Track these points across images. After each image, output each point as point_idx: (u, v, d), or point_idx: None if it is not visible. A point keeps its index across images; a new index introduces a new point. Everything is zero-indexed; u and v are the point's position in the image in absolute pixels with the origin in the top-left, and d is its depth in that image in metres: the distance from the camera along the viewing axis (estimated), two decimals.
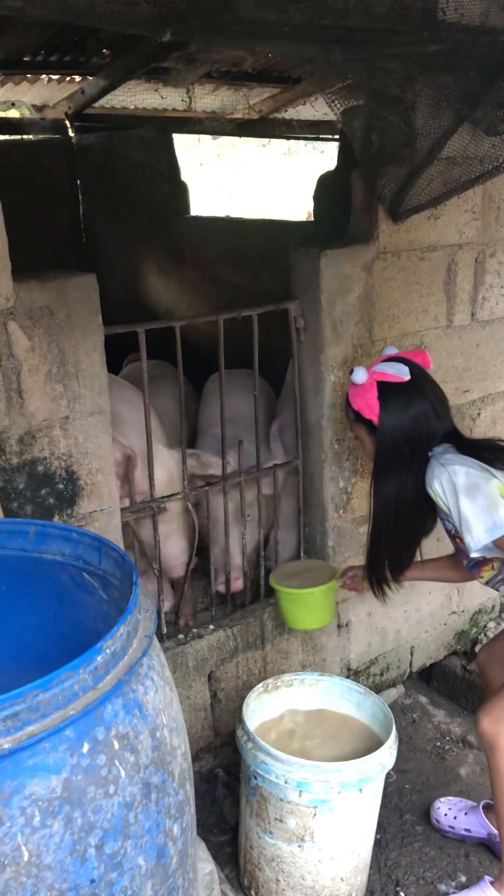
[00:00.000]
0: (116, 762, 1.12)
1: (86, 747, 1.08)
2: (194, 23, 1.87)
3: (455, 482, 1.82)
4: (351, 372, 1.99)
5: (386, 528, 2.03)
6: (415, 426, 1.93)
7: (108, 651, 1.12)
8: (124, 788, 1.13)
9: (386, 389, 1.94)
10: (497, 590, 2.10)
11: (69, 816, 1.06)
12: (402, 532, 2.04)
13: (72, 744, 1.07)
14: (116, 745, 1.12)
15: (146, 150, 4.36)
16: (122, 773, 1.13)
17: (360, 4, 2.08)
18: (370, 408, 1.95)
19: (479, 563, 2.03)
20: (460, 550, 2.02)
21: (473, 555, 1.87)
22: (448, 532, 2.01)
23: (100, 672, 1.11)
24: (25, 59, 3.53)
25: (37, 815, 1.03)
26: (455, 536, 1.96)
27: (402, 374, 1.94)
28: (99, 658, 1.10)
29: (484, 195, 2.59)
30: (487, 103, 2.31)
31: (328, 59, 2.11)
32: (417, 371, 1.97)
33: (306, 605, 2.30)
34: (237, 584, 2.48)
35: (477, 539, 1.81)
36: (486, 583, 2.09)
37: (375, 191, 2.33)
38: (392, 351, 2.07)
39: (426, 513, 1.99)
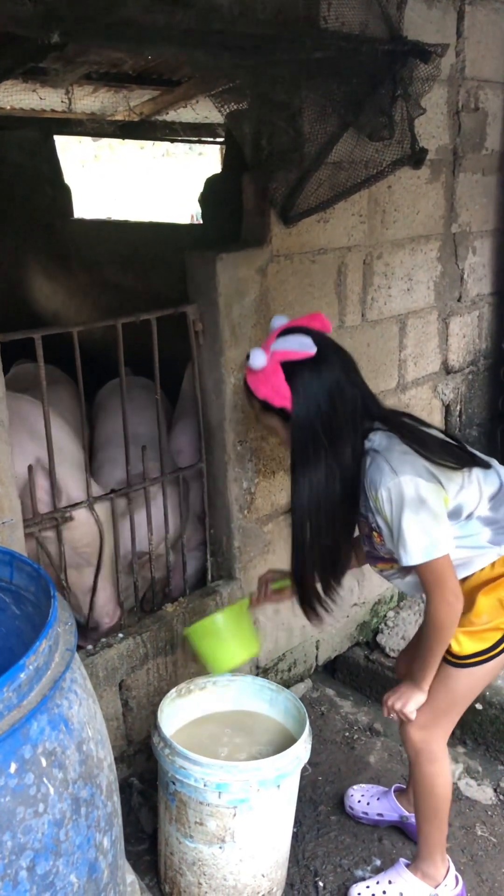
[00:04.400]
0: (45, 779, 1.10)
1: (13, 767, 1.05)
2: (82, 24, 1.85)
3: (404, 494, 1.69)
4: (247, 357, 1.75)
5: (309, 531, 1.82)
6: (331, 405, 1.73)
7: (31, 667, 1.10)
8: (54, 806, 1.11)
9: (293, 369, 1.72)
10: (389, 580, 2.03)
11: None
12: (329, 532, 1.83)
13: None
14: (44, 763, 1.10)
15: (27, 151, 4.26)
16: (51, 790, 1.10)
17: (246, 11, 2.11)
18: (279, 394, 1.73)
19: (380, 558, 1.96)
20: (369, 539, 1.92)
21: (403, 564, 1.76)
22: (368, 525, 1.87)
23: (24, 689, 1.08)
24: None
25: None
26: (374, 531, 1.85)
27: (306, 347, 1.72)
28: (22, 675, 1.08)
29: (370, 199, 2.68)
30: (370, 110, 2.38)
31: (217, 64, 2.13)
32: (319, 339, 1.76)
33: (219, 636, 2.17)
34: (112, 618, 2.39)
35: (411, 557, 1.72)
36: (380, 572, 2.02)
37: (266, 195, 2.37)
38: (282, 320, 1.83)
39: (356, 505, 1.82)
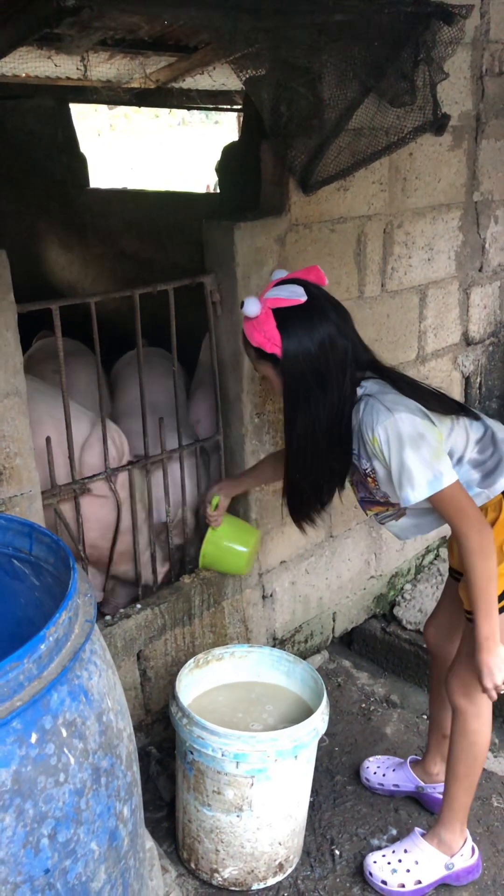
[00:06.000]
0: (65, 749, 1.10)
1: (34, 737, 1.06)
2: None
3: (401, 431, 1.72)
4: (241, 304, 1.79)
5: (298, 468, 1.90)
6: (320, 352, 1.76)
7: (51, 638, 1.10)
8: (74, 775, 1.11)
9: (283, 316, 1.75)
10: (382, 523, 2.06)
11: (21, 809, 1.04)
12: (316, 471, 1.90)
13: (20, 735, 1.04)
14: (64, 733, 1.10)
15: (42, 120, 4.22)
16: (72, 760, 1.11)
17: None
18: (271, 340, 1.76)
19: (375, 502, 1.98)
20: (363, 484, 1.95)
21: (404, 504, 1.79)
22: (361, 471, 1.90)
23: (44, 660, 1.09)
24: None
25: None
26: (368, 476, 1.88)
27: (297, 295, 1.75)
28: (42, 646, 1.08)
29: (390, 166, 2.63)
30: (392, 74, 2.33)
31: (235, 27, 2.08)
32: (313, 290, 1.80)
33: (225, 543, 2.35)
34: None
35: (418, 493, 1.74)
36: (375, 516, 2.05)
37: (285, 162, 2.33)
38: (281, 274, 1.88)
39: (348, 453, 1.88)
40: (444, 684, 2.06)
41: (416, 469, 1.73)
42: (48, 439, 2.10)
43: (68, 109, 4.28)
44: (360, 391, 1.82)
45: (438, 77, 2.38)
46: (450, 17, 2.26)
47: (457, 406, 1.92)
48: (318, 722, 2.00)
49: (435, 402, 1.85)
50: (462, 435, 1.89)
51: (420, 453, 1.73)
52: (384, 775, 2.38)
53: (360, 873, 2.11)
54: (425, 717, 2.73)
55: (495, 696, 1.83)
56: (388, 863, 2.08)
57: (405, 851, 2.09)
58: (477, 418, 1.94)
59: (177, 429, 2.40)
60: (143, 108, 5.28)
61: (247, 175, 2.65)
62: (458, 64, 2.75)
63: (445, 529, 2.02)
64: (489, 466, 1.89)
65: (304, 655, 2.90)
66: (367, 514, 2.06)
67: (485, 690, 1.82)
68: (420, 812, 2.33)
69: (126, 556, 2.40)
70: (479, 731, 1.99)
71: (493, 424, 1.96)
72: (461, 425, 1.89)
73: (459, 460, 1.88)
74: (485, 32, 2.86)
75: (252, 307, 1.77)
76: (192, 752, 1.96)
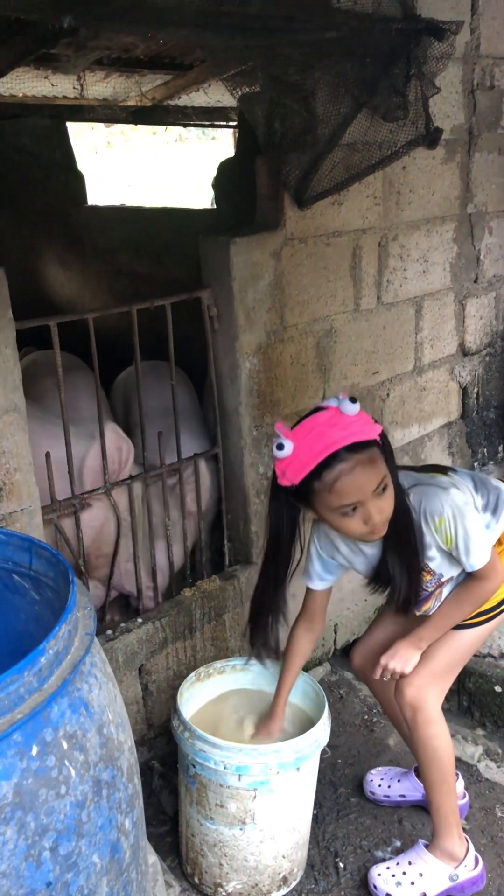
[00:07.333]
0: (66, 762, 1.11)
1: (35, 750, 1.07)
2: (94, 8, 1.84)
3: (458, 504, 1.82)
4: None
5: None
6: None
7: (51, 652, 1.11)
8: (75, 788, 1.12)
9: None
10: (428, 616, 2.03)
11: (22, 821, 1.05)
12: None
13: (20, 748, 1.05)
14: (65, 745, 1.11)
15: (40, 138, 4.26)
16: (73, 772, 1.12)
17: None
18: (377, 430, 1.80)
19: (426, 599, 1.99)
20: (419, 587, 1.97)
21: (471, 570, 1.87)
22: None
23: (44, 673, 1.09)
24: None
25: None
26: (423, 571, 1.91)
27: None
28: (43, 659, 1.09)
29: (384, 180, 2.65)
30: (384, 89, 2.36)
31: (228, 46, 2.11)
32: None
33: None
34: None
35: (483, 552, 1.84)
36: (423, 615, 2.01)
37: (280, 177, 2.35)
38: (289, 447, 1.71)
39: None
40: (396, 697, 2.05)
41: (475, 534, 1.84)
42: (48, 455, 2.11)
43: (65, 128, 4.32)
44: None
45: (430, 91, 2.41)
46: (440, 32, 2.29)
47: (444, 468, 2.05)
48: (321, 733, 2.00)
49: (437, 471, 1.98)
50: (466, 490, 1.96)
51: (474, 520, 1.85)
52: (389, 787, 2.38)
53: (364, 886, 2.11)
54: None
55: (378, 675, 1.99)
56: (393, 875, 2.07)
57: (409, 863, 2.08)
58: (456, 472, 2.04)
59: (176, 443, 2.41)
60: (139, 126, 5.33)
61: (243, 191, 2.67)
62: (450, 78, 2.79)
63: None
64: (492, 502, 2.00)
65: (306, 668, 2.88)
66: (416, 615, 2.04)
67: (380, 665, 1.98)
68: (424, 823, 2.33)
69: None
70: (436, 736, 2.02)
71: (469, 472, 2.08)
72: (459, 482, 1.97)
73: (475, 510, 1.96)
74: (475, 47, 2.90)
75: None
76: (194, 766, 1.96)
